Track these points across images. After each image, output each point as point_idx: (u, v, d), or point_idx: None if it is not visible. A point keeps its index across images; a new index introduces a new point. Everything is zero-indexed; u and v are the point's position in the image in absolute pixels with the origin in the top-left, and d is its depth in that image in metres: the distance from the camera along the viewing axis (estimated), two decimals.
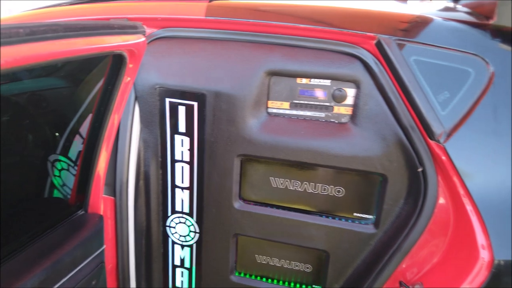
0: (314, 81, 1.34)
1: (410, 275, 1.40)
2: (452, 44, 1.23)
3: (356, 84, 1.30)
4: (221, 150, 1.46)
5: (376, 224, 1.41)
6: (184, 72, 1.42)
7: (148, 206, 1.61)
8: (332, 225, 1.45)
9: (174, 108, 1.45)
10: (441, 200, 1.29)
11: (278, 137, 1.39)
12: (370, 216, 1.43)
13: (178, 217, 1.60)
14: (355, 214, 1.44)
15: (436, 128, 1.21)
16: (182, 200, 1.58)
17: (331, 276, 1.52)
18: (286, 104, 1.40)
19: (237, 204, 1.52)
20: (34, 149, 1.59)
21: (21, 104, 1.83)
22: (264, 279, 1.65)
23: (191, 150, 1.49)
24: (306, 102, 1.38)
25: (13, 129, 1.61)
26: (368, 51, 1.28)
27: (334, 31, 1.30)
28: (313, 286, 1.60)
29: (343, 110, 1.35)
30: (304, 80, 1.35)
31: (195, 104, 1.42)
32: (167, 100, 1.44)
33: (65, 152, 1.70)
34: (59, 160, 1.69)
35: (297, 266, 1.59)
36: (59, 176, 1.68)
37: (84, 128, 1.68)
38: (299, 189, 1.47)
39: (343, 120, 1.36)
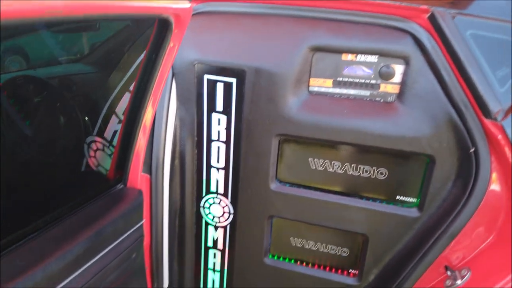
0: (361, 57, 1.29)
1: (456, 260, 1.35)
2: None
3: (406, 61, 1.24)
4: (259, 129, 1.42)
5: (421, 207, 1.36)
6: (224, 48, 1.38)
7: (183, 186, 1.59)
8: (373, 208, 1.41)
9: (212, 85, 1.41)
10: (494, 182, 1.23)
11: (319, 116, 1.34)
12: (414, 200, 1.38)
13: (213, 197, 1.58)
14: (398, 197, 1.39)
15: (493, 106, 1.15)
16: (217, 181, 1.55)
17: (369, 260, 1.48)
18: (329, 82, 1.35)
19: (274, 186, 1.49)
20: (75, 129, 1.59)
21: (59, 87, 1.84)
22: (298, 262, 1.61)
23: (228, 129, 1.46)
24: (350, 79, 1.33)
25: (57, 110, 1.62)
26: (420, 25, 1.22)
27: (384, 4, 1.24)
28: (350, 270, 1.56)
29: (390, 89, 1.30)
30: (350, 56, 1.30)
31: (234, 81, 1.38)
32: (205, 76, 1.41)
33: (101, 133, 1.70)
34: (95, 141, 1.69)
35: (333, 249, 1.55)
36: (95, 157, 1.68)
37: (121, 108, 1.67)
38: (339, 171, 1.42)
39: (390, 99, 1.31)
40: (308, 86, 1.36)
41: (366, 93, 1.33)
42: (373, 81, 1.31)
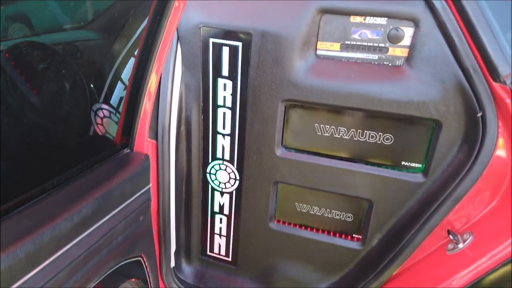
0: (369, 20, 1.27)
1: (459, 225, 1.36)
2: None
3: (415, 23, 1.22)
4: (265, 94, 1.41)
5: (425, 173, 1.37)
6: (229, 11, 1.36)
7: (189, 152, 1.60)
8: (378, 174, 1.41)
9: (217, 49, 1.40)
10: (500, 147, 1.23)
11: (326, 80, 1.33)
12: (419, 165, 1.38)
13: (219, 163, 1.59)
14: (403, 162, 1.40)
15: (503, 69, 1.13)
16: (223, 147, 1.56)
17: (373, 225, 1.51)
18: (337, 46, 1.33)
19: (279, 152, 1.50)
20: (81, 96, 1.60)
21: (63, 54, 1.83)
22: (303, 227, 1.64)
23: (233, 95, 1.46)
24: (358, 43, 1.31)
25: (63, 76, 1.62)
26: None
27: None
28: (353, 235, 1.59)
29: (398, 52, 1.28)
30: (358, 19, 1.27)
31: (240, 44, 1.37)
32: (211, 40, 1.39)
33: (107, 100, 1.70)
34: (102, 109, 1.69)
35: (338, 215, 1.57)
36: (101, 124, 1.69)
37: (126, 74, 1.67)
38: (346, 137, 1.42)
39: (398, 62, 1.29)
40: (316, 49, 1.34)
41: (374, 56, 1.31)
42: (381, 45, 1.29)
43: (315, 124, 1.44)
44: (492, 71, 1.14)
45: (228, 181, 1.62)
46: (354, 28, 1.29)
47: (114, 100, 1.71)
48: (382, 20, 1.26)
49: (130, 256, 1.27)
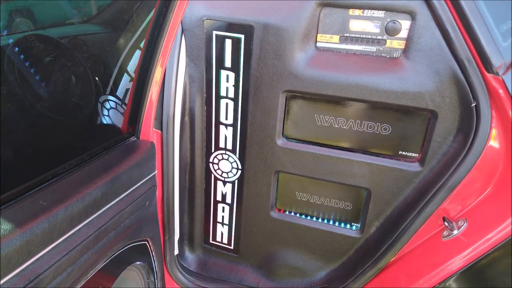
0: (367, 13, 1.31)
1: (454, 212, 1.41)
2: None
3: (412, 16, 1.26)
4: (266, 86, 1.46)
5: (422, 162, 1.41)
6: (232, 4, 1.40)
7: (193, 142, 1.65)
8: (376, 163, 1.46)
9: (220, 41, 1.44)
10: (493, 136, 1.27)
11: (326, 72, 1.38)
12: (416, 154, 1.43)
13: (221, 153, 1.64)
14: (400, 152, 1.44)
15: (496, 60, 1.17)
16: (226, 137, 1.61)
17: (371, 213, 1.55)
18: (336, 38, 1.37)
19: (280, 142, 1.54)
20: (88, 87, 1.64)
21: (69, 47, 1.87)
22: (303, 215, 1.69)
23: (236, 86, 1.50)
24: (357, 35, 1.35)
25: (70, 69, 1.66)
26: None
27: None
28: (352, 223, 1.64)
29: (395, 44, 1.32)
30: (357, 12, 1.32)
31: (242, 37, 1.41)
32: (214, 33, 1.44)
33: (113, 91, 1.75)
34: (108, 100, 1.73)
35: (337, 204, 1.62)
36: (108, 116, 1.73)
37: (132, 66, 1.71)
38: (344, 127, 1.47)
39: (395, 54, 1.33)
40: (316, 42, 1.39)
41: (372, 48, 1.35)
42: (379, 37, 1.33)
43: (315, 115, 1.48)
44: (486, 63, 1.19)
45: (231, 171, 1.67)
46: (353, 21, 1.34)
47: (120, 91, 1.76)
48: (380, 13, 1.30)
49: (136, 240, 1.32)
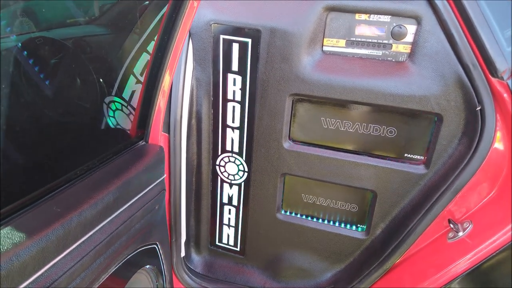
0: (374, 17, 1.32)
1: (459, 214, 1.42)
2: None
3: (417, 20, 1.28)
4: (273, 89, 1.47)
5: (427, 164, 1.43)
6: (239, 8, 1.42)
7: (199, 145, 1.66)
8: (382, 166, 1.47)
9: (228, 45, 1.46)
10: (498, 139, 1.29)
11: (332, 76, 1.39)
12: (421, 157, 1.44)
13: (228, 156, 1.66)
14: (406, 154, 1.46)
15: (500, 65, 1.19)
16: (232, 140, 1.62)
17: (377, 215, 1.57)
18: (342, 42, 1.39)
19: (287, 144, 1.56)
20: (93, 90, 1.65)
21: (74, 49, 1.88)
22: (309, 217, 1.71)
23: (243, 89, 1.51)
24: (363, 39, 1.36)
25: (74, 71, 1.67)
26: None
27: None
28: (358, 225, 1.65)
29: (401, 48, 1.34)
30: (363, 16, 1.33)
31: (249, 41, 1.42)
32: (221, 37, 1.45)
33: (119, 93, 1.76)
34: (114, 101, 1.74)
35: (343, 206, 1.64)
36: (114, 117, 1.75)
37: (138, 69, 1.72)
38: (351, 130, 1.48)
39: (401, 58, 1.35)
40: (322, 46, 1.40)
41: (378, 52, 1.36)
42: (385, 41, 1.34)
43: (321, 118, 1.50)
44: (491, 67, 1.20)
45: (237, 173, 1.68)
46: (359, 25, 1.35)
47: (126, 93, 1.77)
48: (386, 18, 1.31)
49: (146, 244, 1.34)
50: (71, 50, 1.91)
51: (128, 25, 1.90)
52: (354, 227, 1.66)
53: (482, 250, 1.29)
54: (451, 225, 1.40)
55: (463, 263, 1.32)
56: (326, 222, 1.69)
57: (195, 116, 1.61)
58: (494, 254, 1.27)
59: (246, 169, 1.66)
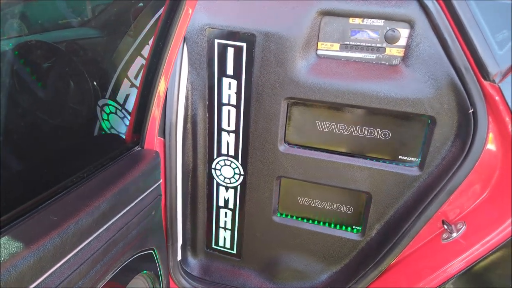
0: (367, 22, 1.33)
1: (453, 215, 1.44)
2: None
3: (410, 24, 1.29)
4: (268, 93, 1.48)
5: (421, 166, 1.44)
6: (234, 13, 1.42)
7: (195, 149, 1.66)
8: (376, 168, 1.49)
9: (222, 49, 1.46)
10: (490, 142, 1.31)
11: (327, 79, 1.40)
12: (415, 159, 1.46)
13: (224, 159, 1.66)
14: (400, 156, 1.47)
15: (492, 68, 1.20)
16: (228, 143, 1.63)
17: (372, 217, 1.58)
18: (337, 46, 1.40)
19: (282, 147, 1.57)
20: (88, 94, 1.65)
21: (67, 52, 1.87)
22: (305, 220, 1.72)
23: (238, 93, 1.52)
24: (357, 43, 1.37)
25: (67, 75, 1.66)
26: None
27: None
28: (354, 227, 1.66)
29: (395, 52, 1.35)
30: (357, 20, 1.34)
31: (244, 45, 1.43)
32: (216, 41, 1.45)
33: (113, 96, 1.75)
34: (108, 104, 1.74)
35: (338, 207, 1.65)
36: (108, 120, 1.74)
37: (132, 72, 1.72)
38: (345, 133, 1.49)
39: (394, 62, 1.36)
40: (317, 49, 1.41)
41: (372, 56, 1.38)
42: (379, 45, 1.35)
43: (316, 121, 1.51)
44: (482, 70, 1.22)
45: (233, 176, 1.69)
46: (353, 29, 1.36)
47: (120, 97, 1.76)
48: (379, 22, 1.32)
49: (143, 249, 1.34)
50: (64, 53, 1.90)
51: (122, 27, 1.89)
52: (349, 229, 1.68)
53: (476, 250, 1.31)
54: (445, 226, 1.42)
55: (457, 264, 1.34)
56: (322, 224, 1.70)
57: (191, 120, 1.61)
58: (488, 254, 1.29)
59: (242, 172, 1.66)
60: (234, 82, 1.50)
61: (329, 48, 1.41)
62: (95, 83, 1.81)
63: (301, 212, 1.71)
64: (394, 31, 1.32)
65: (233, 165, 1.66)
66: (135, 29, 1.78)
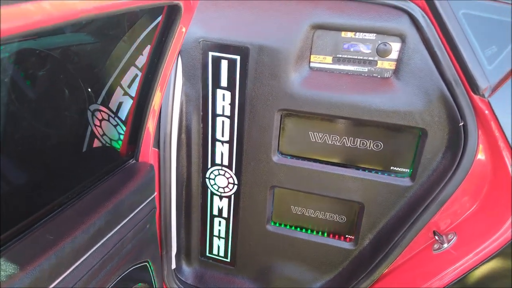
0: (359, 35, 1.35)
1: (444, 225, 1.46)
2: None
3: (402, 38, 1.31)
4: (261, 104, 1.49)
5: (413, 177, 1.46)
6: (228, 26, 1.43)
7: (189, 159, 1.67)
8: (369, 178, 1.50)
9: (216, 62, 1.47)
10: (480, 154, 1.33)
11: (319, 92, 1.41)
12: (407, 170, 1.48)
13: (218, 169, 1.67)
14: (392, 167, 1.49)
15: (481, 83, 1.23)
16: (222, 153, 1.64)
17: (364, 227, 1.60)
18: (329, 59, 1.41)
19: (276, 158, 1.58)
20: (83, 101, 1.64)
21: (61, 58, 1.86)
22: (298, 229, 1.73)
23: (232, 104, 1.53)
24: (349, 56, 1.39)
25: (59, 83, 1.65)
26: (416, 4, 1.27)
27: None
28: (346, 236, 1.68)
29: (386, 65, 1.37)
30: (349, 34, 1.36)
31: (238, 58, 1.44)
32: (210, 54, 1.46)
33: (105, 102, 1.74)
34: (100, 110, 1.73)
35: (331, 217, 1.66)
36: (100, 126, 1.73)
37: (126, 81, 1.71)
38: (338, 144, 1.51)
39: (386, 75, 1.38)
40: (309, 62, 1.42)
41: (364, 69, 1.39)
42: (370, 58, 1.37)
43: (309, 132, 1.52)
44: (472, 84, 1.24)
45: (227, 186, 1.70)
46: (345, 43, 1.38)
47: (113, 104, 1.76)
48: (371, 36, 1.34)
49: (138, 262, 1.34)
50: (56, 59, 1.88)
51: (115, 33, 1.89)
52: (342, 238, 1.69)
53: (467, 262, 1.33)
54: (436, 237, 1.44)
55: (448, 275, 1.36)
56: (315, 233, 1.72)
57: (185, 131, 1.62)
58: (479, 265, 1.31)
59: (236, 182, 1.67)
60: (228, 94, 1.51)
61: (321, 61, 1.42)
62: (89, 89, 1.80)
63: (295, 221, 1.73)
64: (385, 45, 1.34)
65: (227, 175, 1.67)
66: (129, 39, 1.77)
